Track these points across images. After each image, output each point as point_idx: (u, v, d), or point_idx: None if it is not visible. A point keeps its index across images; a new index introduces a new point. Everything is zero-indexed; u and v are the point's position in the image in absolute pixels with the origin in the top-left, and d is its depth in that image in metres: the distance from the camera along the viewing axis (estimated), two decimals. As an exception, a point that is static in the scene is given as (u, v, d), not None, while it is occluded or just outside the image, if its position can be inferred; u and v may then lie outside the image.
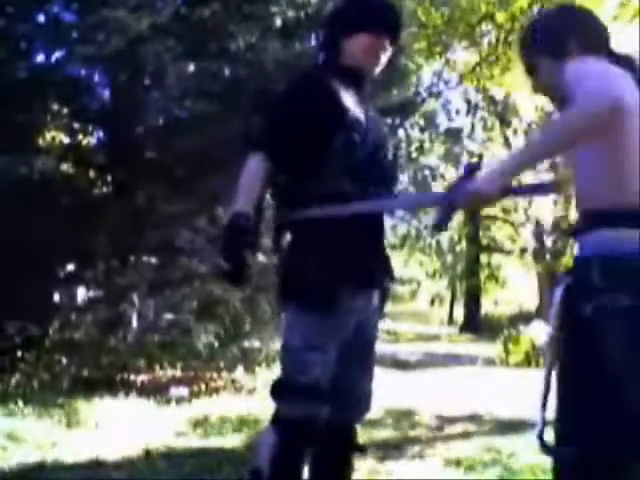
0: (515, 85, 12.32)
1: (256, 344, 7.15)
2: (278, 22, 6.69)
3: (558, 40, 1.92)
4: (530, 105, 14.15)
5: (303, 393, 2.28)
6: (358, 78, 2.47)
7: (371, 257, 2.43)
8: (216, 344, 6.96)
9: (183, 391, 6.41)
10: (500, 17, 11.43)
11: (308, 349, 2.29)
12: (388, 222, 15.33)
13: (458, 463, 4.09)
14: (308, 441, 2.36)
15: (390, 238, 15.70)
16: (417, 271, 22.31)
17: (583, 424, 1.72)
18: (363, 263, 2.37)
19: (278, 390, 2.36)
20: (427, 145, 13.02)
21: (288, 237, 2.41)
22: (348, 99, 2.40)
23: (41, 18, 7.05)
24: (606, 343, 1.69)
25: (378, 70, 2.51)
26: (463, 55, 12.42)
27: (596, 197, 1.79)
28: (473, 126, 14.27)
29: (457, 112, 14.53)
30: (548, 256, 16.19)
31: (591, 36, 1.93)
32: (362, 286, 2.40)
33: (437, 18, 11.27)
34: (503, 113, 14.96)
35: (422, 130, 12.82)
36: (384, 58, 2.48)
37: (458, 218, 19.57)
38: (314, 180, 2.32)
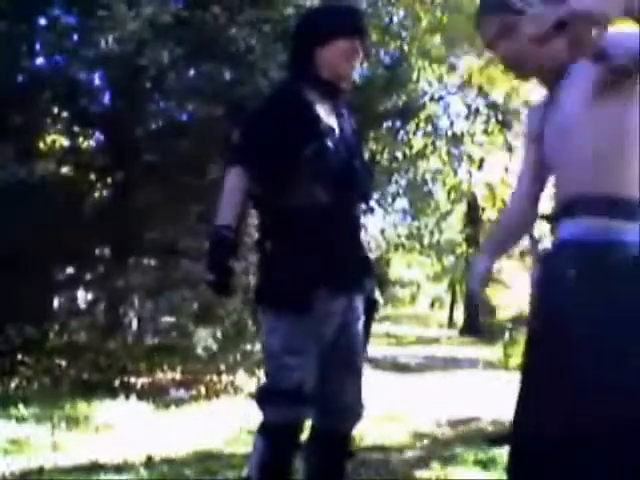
0: (516, 89, 12.35)
1: (257, 347, 7.13)
2: (279, 25, 6.70)
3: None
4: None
5: (286, 397, 2.28)
6: (333, 87, 2.51)
7: (348, 260, 2.44)
8: (215, 347, 6.95)
9: (183, 394, 6.41)
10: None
11: (288, 353, 2.29)
12: (389, 221, 15.35)
13: (459, 465, 4.09)
14: (295, 445, 2.36)
15: (391, 239, 15.69)
16: (417, 272, 22.35)
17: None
18: (340, 267, 2.39)
19: (262, 396, 2.36)
20: (428, 149, 13.02)
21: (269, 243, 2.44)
22: (322, 109, 2.44)
23: (42, 21, 7.06)
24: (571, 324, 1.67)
25: (354, 71, 2.57)
26: (465, 59, 12.43)
27: (585, 182, 1.73)
28: (474, 130, 14.28)
29: (457, 115, 14.54)
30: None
31: None
32: (340, 289, 2.41)
33: (443, 20, 11.29)
34: (504, 117, 14.98)
35: (424, 134, 12.84)
36: (359, 59, 2.53)
37: (458, 219, 19.62)
38: (289, 189, 2.35)
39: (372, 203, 9.29)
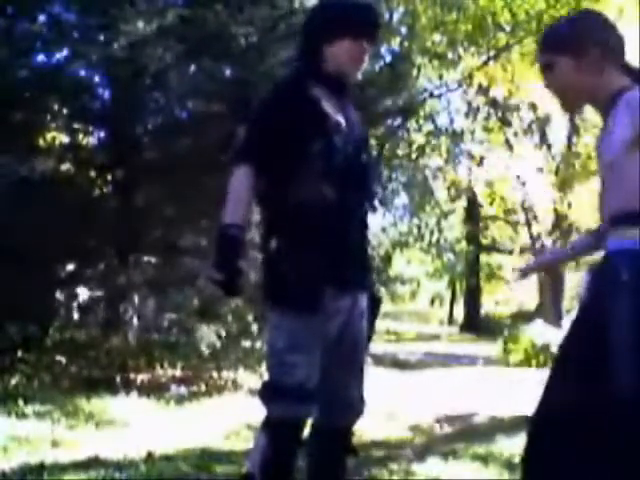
0: (517, 87, 12.36)
1: (258, 343, 7.15)
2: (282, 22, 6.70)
3: (579, 42, 1.99)
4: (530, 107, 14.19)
5: (290, 395, 2.29)
6: (340, 83, 2.49)
7: (354, 258, 2.44)
8: (218, 344, 6.97)
9: (183, 391, 6.42)
10: (505, 20, 11.48)
11: (293, 350, 2.30)
12: (389, 220, 15.37)
13: (458, 461, 4.10)
14: (298, 442, 2.37)
15: (392, 237, 15.70)
16: (418, 270, 22.35)
17: None
18: (346, 264, 2.40)
19: (266, 393, 2.37)
20: (428, 146, 13.03)
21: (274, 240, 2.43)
22: (329, 105, 2.43)
23: (43, 18, 7.05)
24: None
25: (360, 72, 2.54)
26: (464, 57, 12.43)
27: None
28: (474, 127, 14.30)
29: (457, 111, 14.56)
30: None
31: (611, 44, 2.01)
32: (346, 287, 2.42)
33: (448, 19, 11.31)
34: (504, 115, 14.99)
35: (422, 131, 12.85)
36: (366, 59, 2.51)
37: (458, 217, 19.61)
38: (296, 186, 2.35)
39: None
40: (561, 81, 2.03)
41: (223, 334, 7.10)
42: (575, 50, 1.98)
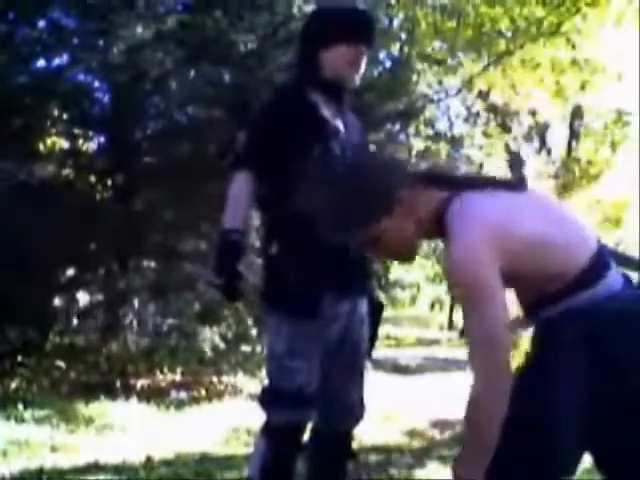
0: (517, 92, 12.38)
1: (258, 348, 7.15)
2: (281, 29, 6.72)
3: (382, 196, 1.75)
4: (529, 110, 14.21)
5: (290, 400, 2.30)
6: (338, 89, 2.50)
7: (353, 264, 2.44)
8: (222, 345, 6.97)
9: (183, 395, 6.41)
10: (504, 26, 11.51)
11: (293, 356, 2.31)
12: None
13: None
14: (297, 447, 2.37)
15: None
16: (417, 275, 22.34)
17: None
18: (345, 270, 2.40)
19: (265, 397, 2.37)
20: (428, 151, 13.04)
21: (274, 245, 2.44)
22: (328, 111, 2.44)
23: (42, 24, 7.07)
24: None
25: (358, 77, 2.53)
26: (464, 63, 12.45)
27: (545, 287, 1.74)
28: (473, 133, 14.32)
29: (457, 116, 14.59)
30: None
31: (402, 174, 1.81)
32: (345, 293, 2.42)
33: (448, 27, 11.34)
34: (504, 120, 15.01)
35: (422, 136, 12.86)
36: (363, 65, 2.52)
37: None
38: (295, 192, 2.35)
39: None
40: (393, 240, 1.79)
41: (229, 335, 7.11)
42: (384, 206, 1.74)
